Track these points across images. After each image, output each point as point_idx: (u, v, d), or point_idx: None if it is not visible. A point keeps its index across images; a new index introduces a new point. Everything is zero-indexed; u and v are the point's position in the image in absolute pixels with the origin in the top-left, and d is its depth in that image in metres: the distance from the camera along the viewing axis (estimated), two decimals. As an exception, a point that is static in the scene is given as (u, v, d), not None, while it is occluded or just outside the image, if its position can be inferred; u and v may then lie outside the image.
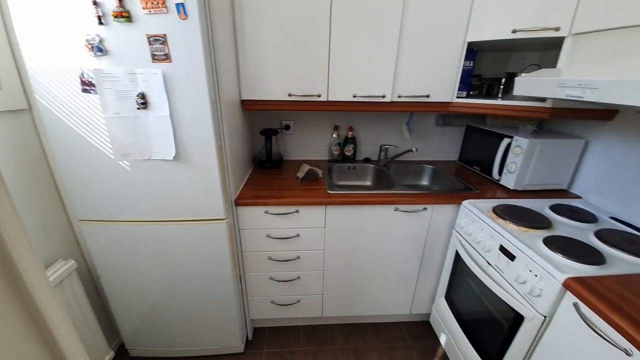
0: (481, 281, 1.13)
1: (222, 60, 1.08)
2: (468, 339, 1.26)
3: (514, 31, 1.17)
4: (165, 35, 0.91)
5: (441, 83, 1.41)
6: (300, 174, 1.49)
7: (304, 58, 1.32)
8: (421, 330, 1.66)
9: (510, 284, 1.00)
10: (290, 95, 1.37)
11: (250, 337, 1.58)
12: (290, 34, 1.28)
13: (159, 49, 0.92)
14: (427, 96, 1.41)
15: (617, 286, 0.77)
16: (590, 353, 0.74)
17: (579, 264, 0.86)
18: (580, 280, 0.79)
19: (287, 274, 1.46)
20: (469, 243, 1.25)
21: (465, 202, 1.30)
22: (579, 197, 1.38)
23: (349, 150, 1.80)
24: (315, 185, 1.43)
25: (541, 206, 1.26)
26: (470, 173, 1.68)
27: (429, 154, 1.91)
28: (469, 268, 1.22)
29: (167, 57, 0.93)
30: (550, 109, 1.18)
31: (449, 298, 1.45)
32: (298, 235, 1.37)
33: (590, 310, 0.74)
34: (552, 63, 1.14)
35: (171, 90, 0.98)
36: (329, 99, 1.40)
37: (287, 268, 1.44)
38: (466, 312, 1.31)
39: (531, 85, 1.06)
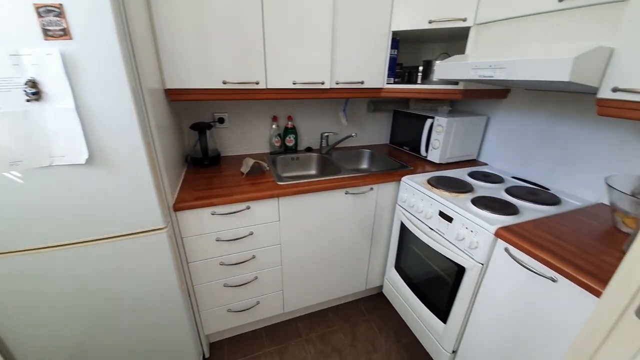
0: (427, 245, 1.27)
1: (139, 37, 0.91)
2: (420, 300, 1.41)
3: (430, 21, 1.32)
4: (61, 4, 0.71)
5: (373, 70, 1.49)
6: (245, 169, 1.40)
7: (236, 39, 1.22)
8: (377, 302, 1.78)
9: (451, 243, 1.15)
10: (225, 82, 1.26)
11: (207, 355, 1.43)
12: (217, 10, 1.16)
13: (54, 22, 0.71)
14: (362, 82, 1.49)
15: (533, 229, 0.96)
16: (523, 287, 0.91)
17: (502, 216, 1.04)
18: (506, 228, 0.96)
19: (243, 276, 1.36)
20: (411, 214, 1.38)
21: (404, 178, 1.43)
22: (486, 164, 1.67)
23: (290, 141, 1.77)
24: (262, 179, 1.36)
25: (462, 174, 1.47)
26: (401, 153, 1.85)
27: (365, 139, 2.03)
28: (414, 236, 1.35)
29: (65, 33, 0.73)
30: (462, 91, 1.38)
31: (398, 267, 1.58)
32: (252, 234, 1.28)
33: (519, 251, 0.90)
34: (458, 51, 1.34)
35: (75, 75, 0.78)
36: (269, 87, 1.33)
37: (242, 270, 1.35)
38: (415, 277, 1.46)
39: (449, 69, 1.22)
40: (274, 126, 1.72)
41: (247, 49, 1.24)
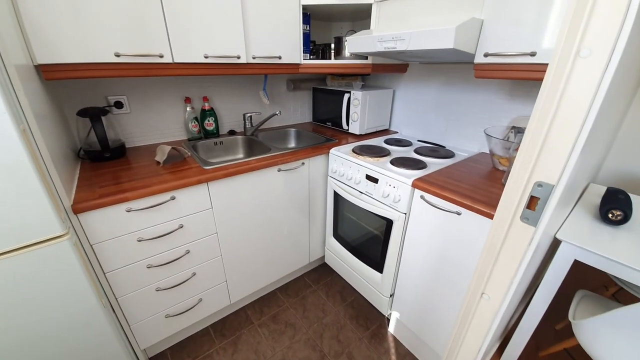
0: (359, 208, 1.39)
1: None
2: (359, 259, 1.54)
3: (339, -3, 1.38)
4: None
5: (289, 44, 1.48)
6: (161, 157, 1.24)
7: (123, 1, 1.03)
8: (320, 273, 1.87)
9: (379, 201, 1.29)
10: (118, 55, 1.06)
11: (146, 370, 1.28)
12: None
13: None
14: (280, 57, 1.47)
15: (439, 177, 1.15)
16: (437, 225, 1.09)
17: (415, 170, 1.22)
18: (420, 179, 1.13)
19: (178, 275, 1.24)
20: (342, 182, 1.48)
21: (332, 150, 1.51)
22: (396, 132, 1.89)
23: (209, 125, 1.63)
24: (184, 166, 1.23)
25: (379, 142, 1.64)
26: (325, 129, 1.93)
27: (288, 118, 2.03)
28: (348, 202, 1.46)
29: None
30: (371, 65, 1.51)
31: (337, 235, 1.69)
32: (182, 227, 1.17)
33: (431, 195, 1.08)
34: (363, 28, 1.45)
35: None
36: (176, 61, 1.19)
37: (176, 269, 1.22)
38: (352, 240, 1.58)
39: (359, 43, 1.31)
40: (188, 109, 1.56)
41: (140, 14, 1.06)
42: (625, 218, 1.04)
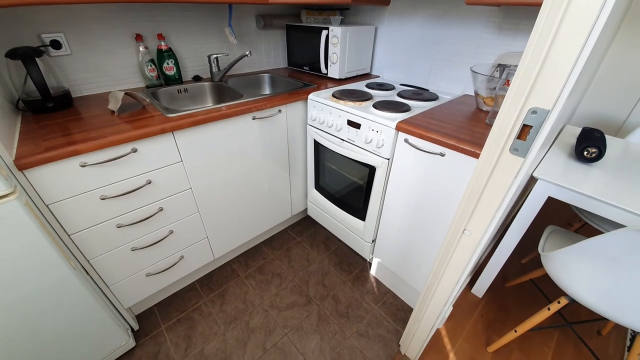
0: (341, 157, 1.34)
1: None
2: (342, 209, 1.54)
3: None
4: None
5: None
6: (114, 105, 1.09)
7: None
8: (304, 225, 1.88)
9: (361, 148, 1.24)
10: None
11: (136, 328, 1.28)
12: None
13: None
14: (245, -16, 1.25)
15: (423, 118, 1.10)
16: (422, 167, 1.07)
17: (399, 113, 1.15)
18: (404, 122, 1.07)
19: (154, 234, 1.17)
20: (323, 130, 1.40)
21: (311, 95, 1.39)
22: (378, 76, 1.77)
23: (169, 69, 1.44)
24: (143, 115, 1.09)
25: (361, 86, 1.54)
26: (302, 74, 1.77)
27: (261, 63, 1.84)
28: (329, 151, 1.40)
29: None
30: (352, -5, 1.33)
31: (318, 187, 1.66)
32: (150, 182, 1.07)
33: (415, 138, 1.03)
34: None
35: None
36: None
37: (150, 228, 1.15)
38: (335, 191, 1.56)
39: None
40: (141, 48, 1.35)
41: None
42: (600, 154, 1.07)
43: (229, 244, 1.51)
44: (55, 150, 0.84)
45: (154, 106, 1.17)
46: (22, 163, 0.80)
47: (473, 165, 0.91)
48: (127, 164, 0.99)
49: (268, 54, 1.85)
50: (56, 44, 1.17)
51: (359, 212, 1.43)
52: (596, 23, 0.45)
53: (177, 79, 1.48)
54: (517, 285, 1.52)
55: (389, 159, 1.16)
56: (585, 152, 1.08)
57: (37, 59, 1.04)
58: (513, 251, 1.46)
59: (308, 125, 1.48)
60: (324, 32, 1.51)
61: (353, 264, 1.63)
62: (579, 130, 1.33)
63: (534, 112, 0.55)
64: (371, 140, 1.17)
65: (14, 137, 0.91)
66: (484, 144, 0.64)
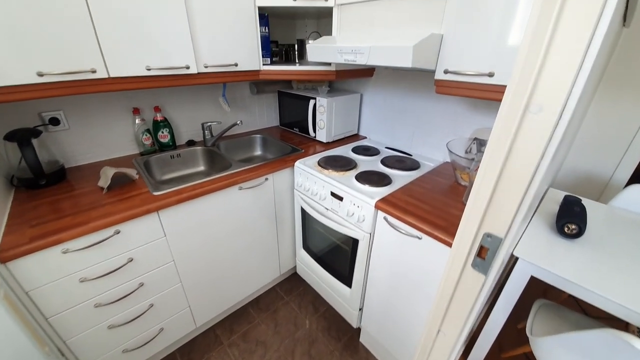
0: (325, 225, 1.35)
1: None
2: (328, 272, 1.52)
3: None
4: None
5: (246, 50, 1.37)
6: (104, 183, 1.13)
7: (40, 8, 0.89)
8: (292, 283, 1.85)
9: (344, 219, 1.25)
10: (41, 75, 0.92)
11: (106, 406, 1.21)
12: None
13: None
14: (236, 65, 1.35)
15: (402, 196, 1.12)
16: (400, 247, 1.08)
17: (379, 188, 1.18)
18: (383, 200, 1.09)
19: (134, 309, 1.16)
20: (309, 197, 1.43)
21: (297, 163, 1.44)
22: (365, 137, 1.84)
23: (164, 137, 1.51)
24: (132, 191, 1.13)
25: (347, 151, 1.59)
26: (292, 135, 1.85)
27: (253, 123, 1.93)
28: (314, 218, 1.41)
29: None
30: (335, 72, 1.43)
31: (306, 247, 1.65)
32: (131, 260, 1.08)
33: (393, 218, 1.05)
34: (328, 29, 1.36)
35: None
36: (112, 75, 1.06)
37: (129, 304, 1.14)
38: (321, 253, 1.55)
39: (320, 53, 1.23)
40: (137, 121, 1.42)
41: (63, 28, 0.93)
42: (580, 232, 1.07)
43: (213, 311, 1.48)
44: (39, 240, 0.87)
45: (143, 180, 1.21)
46: (5, 256, 0.82)
47: (447, 253, 0.92)
48: (108, 246, 1.01)
49: (261, 115, 1.94)
50: (55, 121, 1.25)
51: (346, 278, 1.41)
52: (542, 159, 0.47)
53: (171, 145, 1.55)
54: (512, 357, 1.45)
55: (370, 234, 1.17)
56: (566, 229, 1.08)
57: (34, 140, 1.10)
58: (508, 317, 1.41)
59: (295, 190, 1.51)
60: (312, 102, 1.60)
61: (342, 329, 1.57)
62: (562, 195, 1.35)
63: (488, 236, 0.57)
64: (353, 214, 1.19)
65: (2, 222, 0.94)
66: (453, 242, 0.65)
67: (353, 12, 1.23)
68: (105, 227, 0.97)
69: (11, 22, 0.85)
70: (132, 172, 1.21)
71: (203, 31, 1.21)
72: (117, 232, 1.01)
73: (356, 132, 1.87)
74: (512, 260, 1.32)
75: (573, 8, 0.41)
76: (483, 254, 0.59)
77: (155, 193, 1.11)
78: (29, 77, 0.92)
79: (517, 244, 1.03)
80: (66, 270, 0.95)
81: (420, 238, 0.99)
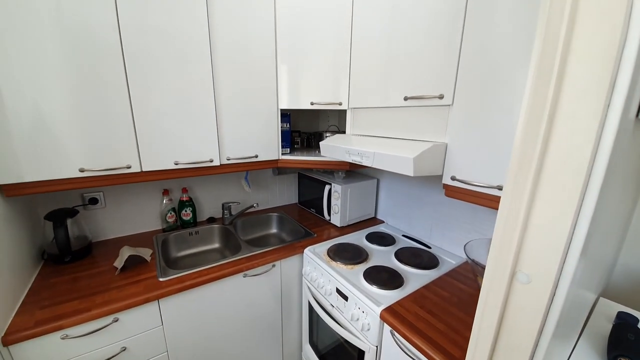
0: (329, 326, 1.24)
1: None
2: (332, 380, 1.34)
3: (312, 103, 1.42)
4: None
5: (266, 144, 1.50)
6: (119, 263, 1.19)
7: (98, 116, 1.07)
8: (295, 384, 1.64)
9: (350, 323, 1.14)
10: (82, 170, 1.08)
11: None
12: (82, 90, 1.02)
13: None
14: (256, 156, 1.47)
15: (413, 306, 1.01)
16: (406, 368, 0.93)
17: (388, 291, 1.09)
18: (389, 310, 0.99)
19: (116, 404, 1.08)
20: (315, 289, 1.35)
21: (306, 251, 1.41)
22: (383, 221, 1.79)
23: (187, 215, 1.61)
24: (142, 272, 1.17)
25: (360, 237, 1.54)
26: (308, 214, 1.86)
27: (273, 201, 2.00)
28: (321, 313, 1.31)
29: None
30: (349, 163, 1.48)
31: (312, 343, 1.50)
32: (124, 349, 1.05)
33: (400, 336, 0.93)
34: (344, 124, 1.46)
35: None
36: (144, 170, 1.20)
37: (114, 398, 1.07)
38: (327, 352, 1.39)
39: (331, 150, 1.30)
40: (165, 201, 1.55)
41: (111, 130, 1.10)
42: (639, 373, 0.84)
43: (203, 412, 1.33)
44: (43, 325, 0.90)
45: (155, 263, 1.25)
46: (9, 339, 0.85)
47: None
48: (105, 333, 1.01)
49: (282, 193, 2.02)
50: (94, 201, 1.40)
51: (351, 392, 1.22)
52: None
53: (192, 222, 1.63)
54: None
55: (377, 346, 1.04)
56: None
57: (69, 220, 1.23)
58: None
59: (303, 278, 1.45)
60: (327, 187, 1.64)
61: None
62: (615, 310, 1.11)
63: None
64: (358, 319, 1.08)
65: (20, 299, 1.00)
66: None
67: (363, 115, 1.32)
68: (105, 315, 0.98)
69: (58, 133, 1.03)
70: (147, 253, 1.27)
71: (229, 131, 1.37)
72: (116, 320, 1.01)
73: (373, 216, 1.84)
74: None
75: (555, 166, 0.38)
76: None
77: (161, 279, 1.13)
78: (72, 172, 1.07)
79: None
80: (61, 357, 0.94)
81: (426, 367, 0.84)
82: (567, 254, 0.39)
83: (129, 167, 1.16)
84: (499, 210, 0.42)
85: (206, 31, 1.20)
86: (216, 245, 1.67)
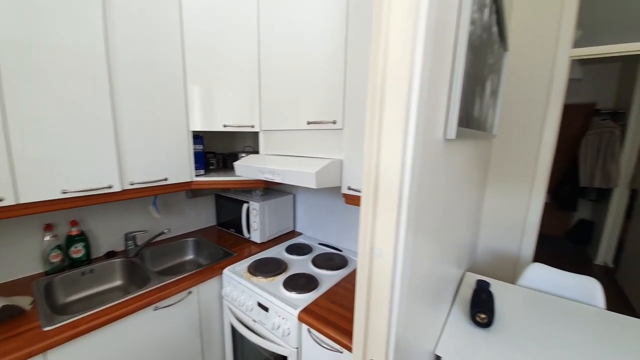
0: (251, 341, 1.26)
1: None
2: (260, 397, 1.34)
3: (225, 125, 1.47)
4: None
5: (176, 166, 1.46)
6: (-18, 321, 0.96)
7: None
8: (222, 416, 1.55)
9: (271, 332, 1.19)
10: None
11: None
12: None
13: None
14: (166, 179, 1.42)
15: (326, 302, 1.14)
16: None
17: (304, 294, 1.19)
18: (306, 310, 1.09)
19: None
20: (237, 307, 1.35)
21: (226, 270, 1.41)
22: (301, 233, 1.92)
23: (77, 252, 1.39)
24: (20, 326, 0.97)
25: (280, 251, 1.62)
26: (228, 235, 1.85)
27: (188, 225, 1.90)
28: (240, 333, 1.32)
29: None
30: (263, 181, 1.58)
31: (237, 366, 1.47)
32: None
33: (315, 331, 1.04)
34: (259, 144, 1.56)
35: None
36: (21, 202, 1.02)
37: None
38: (253, 371, 1.39)
39: (245, 169, 1.38)
40: (47, 237, 1.32)
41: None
42: (490, 321, 1.14)
43: None
44: None
45: (37, 310, 1.05)
46: None
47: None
48: (-40, 413, 0.80)
49: (197, 216, 1.94)
50: (-63, 249, 1.10)
51: (279, 403, 1.25)
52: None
53: (85, 260, 1.42)
54: None
55: (297, 348, 1.12)
56: (477, 318, 1.15)
57: None
58: None
59: (223, 299, 1.43)
60: (245, 205, 1.69)
61: None
62: (475, 280, 1.44)
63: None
64: (279, 327, 1.15)
65: None
66: None
67: (273, 136, 1.45)
68: (-40, 387, 0.78)
69: None
70: (26, 302, 1.07)
71: (132, 154, 1.28)
72: (-22, 391, 0.82)
73: (292, 229, 1.95)
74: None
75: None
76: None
77: (46, 328, 0.97)
78: None
79: (439, 341, 1.05)
80: None
81: (341, 352, 0.97)
82: (397, 238, 0.57)
83: (0, 200, 0.98)
84: (360, 208, 0.59)
85: (102, 45, 1.14)
86: (118, 282, 1.48)
